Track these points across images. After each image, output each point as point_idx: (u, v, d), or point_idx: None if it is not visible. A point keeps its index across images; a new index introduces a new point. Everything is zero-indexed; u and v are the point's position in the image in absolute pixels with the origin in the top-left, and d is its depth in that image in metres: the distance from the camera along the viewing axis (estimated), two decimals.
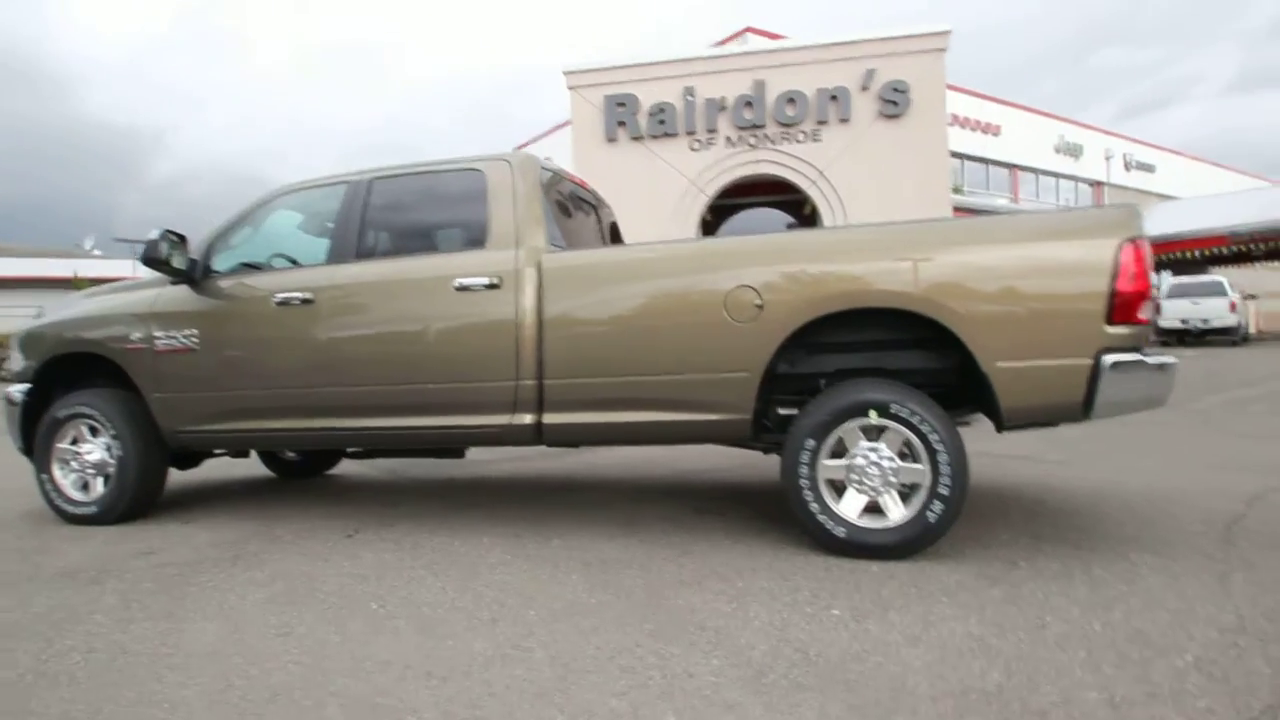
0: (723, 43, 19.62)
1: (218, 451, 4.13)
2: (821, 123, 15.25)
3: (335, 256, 3.47)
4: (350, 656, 2.08)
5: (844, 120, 15.14)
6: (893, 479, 2.78)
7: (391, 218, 3.53)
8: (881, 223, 3.16)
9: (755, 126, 15.49)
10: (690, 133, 15.70)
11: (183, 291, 3.64)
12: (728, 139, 15.61)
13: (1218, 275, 19.69)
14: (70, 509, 3.72)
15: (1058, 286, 2.63)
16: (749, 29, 18.54)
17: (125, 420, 3.65)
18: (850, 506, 2.83)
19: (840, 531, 2.80)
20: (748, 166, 15.63)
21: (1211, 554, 2.72)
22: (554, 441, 3.29)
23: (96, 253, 41.97)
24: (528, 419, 3.18)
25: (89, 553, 3.21)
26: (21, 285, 29.27)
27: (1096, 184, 28.56)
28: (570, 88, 15.87)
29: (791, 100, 15.30)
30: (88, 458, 3.71)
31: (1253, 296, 25.42)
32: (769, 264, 2.90)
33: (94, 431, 3.73)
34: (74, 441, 3.77)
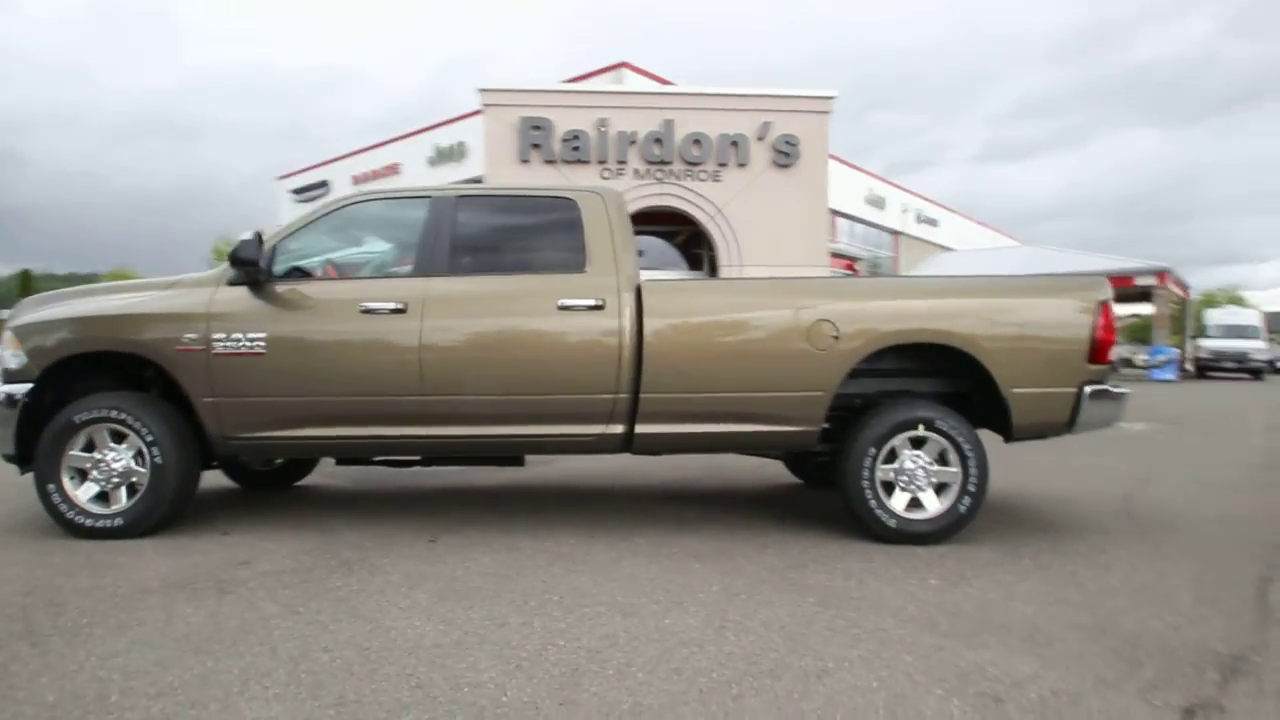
0: (585, 77, 20.45)
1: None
2: (722, 164, 16.81)
3: (424, 269, 3.55)
4: (596, 636, 2.34)
5: (742, 165, 16.83)
6: (932, 479, 3.51)
7: (481, 236, 3.69)
8: (935, 274, 3.92)
9: (663, 162, 16.77)
10: (601, 162, 16.63)
11: (242, 293, 3.49)
12: (636, 171, 16.69)
13: None
14: (86, 521, 3.38)
15: (1057, 333, 3.52)
16: (625, 64, 19.46)
17: (164, 425, 3.41)
18: (898, 502, 3.51)
19: (892, 523, 3.47)
20: (653, 198, 16.77)
21: (1138, 533, 3.74)
22: (641, 449, 3.64)
23: None
24: (619, 429, 3.52)
25: (166, 566, 3.02)
26: None
27: (895, 233, 33.06)
28: (485, 105, 16.17)
29: (697, 141, 16.75)
30: (114, 465, 3.40)
31: None
32: (847, 301, 3.52)
33: (118, 437, 3.44)
34: (88, 448, 3.44)
